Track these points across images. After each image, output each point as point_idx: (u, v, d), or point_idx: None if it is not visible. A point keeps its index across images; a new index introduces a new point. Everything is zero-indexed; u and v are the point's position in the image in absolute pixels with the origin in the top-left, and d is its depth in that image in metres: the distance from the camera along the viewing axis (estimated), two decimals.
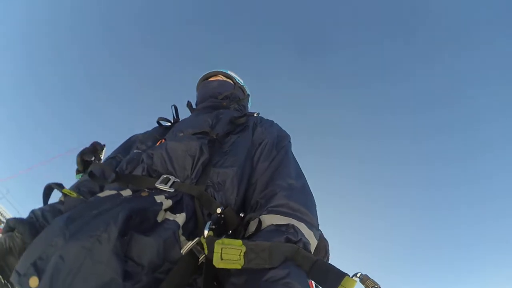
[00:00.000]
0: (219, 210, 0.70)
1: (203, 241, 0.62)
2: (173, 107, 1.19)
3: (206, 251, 0.60)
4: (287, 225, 0.66)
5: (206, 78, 1.40)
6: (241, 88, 1.36)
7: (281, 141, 0.95)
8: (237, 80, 1.37)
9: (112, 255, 0.52)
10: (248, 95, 1.35)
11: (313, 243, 0.69)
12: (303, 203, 0.72)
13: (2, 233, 0.71)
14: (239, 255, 0.58)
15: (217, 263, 0.57)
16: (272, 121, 1.07)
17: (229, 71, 1.40)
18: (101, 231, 0.54)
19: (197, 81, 1.44)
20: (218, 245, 0.58)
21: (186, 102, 1.30)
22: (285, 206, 0.70)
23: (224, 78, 1.36)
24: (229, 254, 0.58)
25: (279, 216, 0.68)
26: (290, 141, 0.98)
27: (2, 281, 0.67)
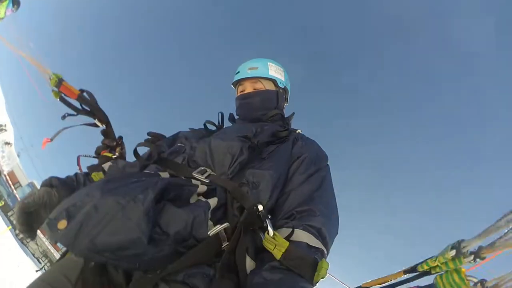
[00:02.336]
0: (261, 207, 0.72)
1: (277, 238, 0.69)
2: (220, 113, 1.23)
3: (271, 246, 0.68)
4: (317, 248, 0.73)
5: (242, 83, 1.25)
6: (285, 90, 1.27)
7: (320, 160, 0.95)
8: (278, 83, 1.23)
9: (143, 215, 0.54)
10: (293, 113, 1.30)
11: None
12: (330, 234, 0.77)
13: (42, 185, 0.79)
14: None
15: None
16: (314, 140, 1.07)
17: (270, 68, 1.23)
18: (137, 192, 0.57)
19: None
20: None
21: (229, 114, 1.28)
22: (318, 230, 0.74)
23: (265, 85, 1.21)
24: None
25: (312, 236, 0.73)
26: (328, 164, 0.98)
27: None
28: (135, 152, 0.88)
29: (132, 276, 0.63)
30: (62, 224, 0.53)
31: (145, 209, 0.55)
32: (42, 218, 0.74)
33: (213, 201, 0.70)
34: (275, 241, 0.68)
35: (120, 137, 1.21)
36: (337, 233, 0.82)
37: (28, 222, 0.74)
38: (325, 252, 0.75)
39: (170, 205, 0.61)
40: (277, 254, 0.66)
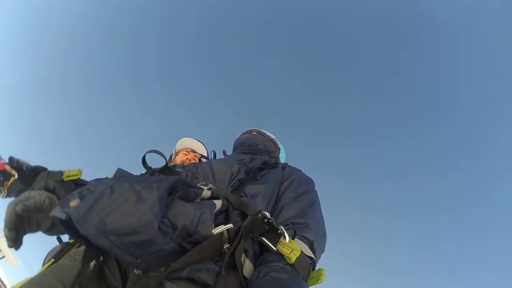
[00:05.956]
0: (268, 215, 0.79)
1: (292, 244, 0.75)
2: (212, 151, 1.41)
3: (288, 253, 0.73)
4: (311, 258, 0.79)
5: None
6: (272, 141, 1.48)
7: (308, 182, 1.07)
8: (267, 134, 1.52)
9: (157, 200, 0.56)
10: (279, 148, 1.49)
11: None
12: (319, 249, 0.86)
13: (41, 188, 0.71)
14: None
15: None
16: (300, 169, 1.19)
17: (262, 130, 1.58)
18: (152, 182, 0.60)
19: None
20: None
21: (222, 151, 1.46)
22: (311, 243, 0.82)
23: (256, 134, 1.51)
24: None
25: (306, 247, 0.80)
26: (316, 189, 1.07)
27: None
28: (144, 160, 0.92)
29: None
30: (75, 202, 0.53)
31: (159, 195, 0.57)
32: (34, 225, 0.69)
33: (218, 203, 0.74)
34: (291, 247, 0.74)
35: None
36: (323, 251, 0.89)
37: (18, 228, 0.65)
38: (316, 263, 0.82)
39: (178, 199, 0.64)
40: (292, 258, 0.72)
